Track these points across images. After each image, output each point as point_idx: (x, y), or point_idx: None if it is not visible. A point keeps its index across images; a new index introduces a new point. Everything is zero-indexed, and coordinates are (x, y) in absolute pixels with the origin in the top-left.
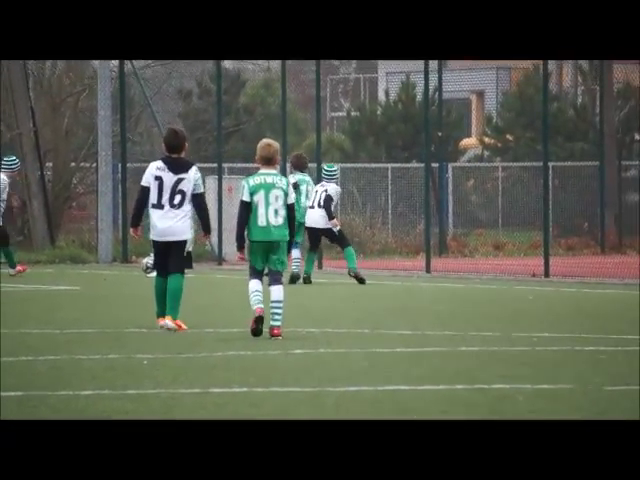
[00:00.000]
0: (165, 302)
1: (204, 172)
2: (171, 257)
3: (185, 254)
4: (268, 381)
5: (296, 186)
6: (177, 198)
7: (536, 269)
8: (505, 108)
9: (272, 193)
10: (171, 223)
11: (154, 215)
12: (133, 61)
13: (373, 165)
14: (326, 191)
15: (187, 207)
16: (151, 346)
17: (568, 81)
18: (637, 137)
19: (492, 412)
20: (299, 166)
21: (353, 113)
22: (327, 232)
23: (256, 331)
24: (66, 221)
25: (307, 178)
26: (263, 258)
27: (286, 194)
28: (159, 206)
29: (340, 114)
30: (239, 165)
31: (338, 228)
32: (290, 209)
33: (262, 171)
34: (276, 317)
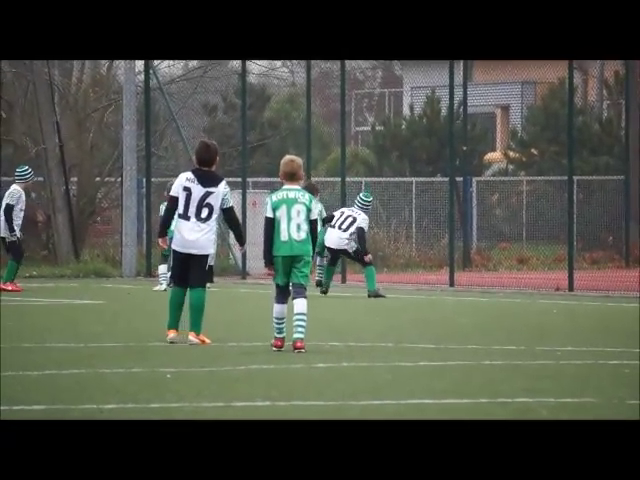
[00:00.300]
0: (178, 314)
1: (228, 186)
2: (192, 271)
3: (207, 268)
4: (291, 395)
5: None
6: (204, 212)
7: (560, 283)
8: (530, 122)
9: (294, 208)
10: (198, 236)
11: (179, 225)
12: (158, 76)
13: (397, 179)
14: (354, 220)
15: (213, 222)
16: (174, 360)
17: (593, 95)
18: None
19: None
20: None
21: (378, 127)
22: (345, 252)
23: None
24: (90, 235)
25: (319, 205)
26: (286, 273)
27: (309, 209)
28: (185, 217)
29: (365, 128)
30: (263, 179)
31: (354, 249)
32: (313, 224)
33: (285, 187)
34: (299, 330)
